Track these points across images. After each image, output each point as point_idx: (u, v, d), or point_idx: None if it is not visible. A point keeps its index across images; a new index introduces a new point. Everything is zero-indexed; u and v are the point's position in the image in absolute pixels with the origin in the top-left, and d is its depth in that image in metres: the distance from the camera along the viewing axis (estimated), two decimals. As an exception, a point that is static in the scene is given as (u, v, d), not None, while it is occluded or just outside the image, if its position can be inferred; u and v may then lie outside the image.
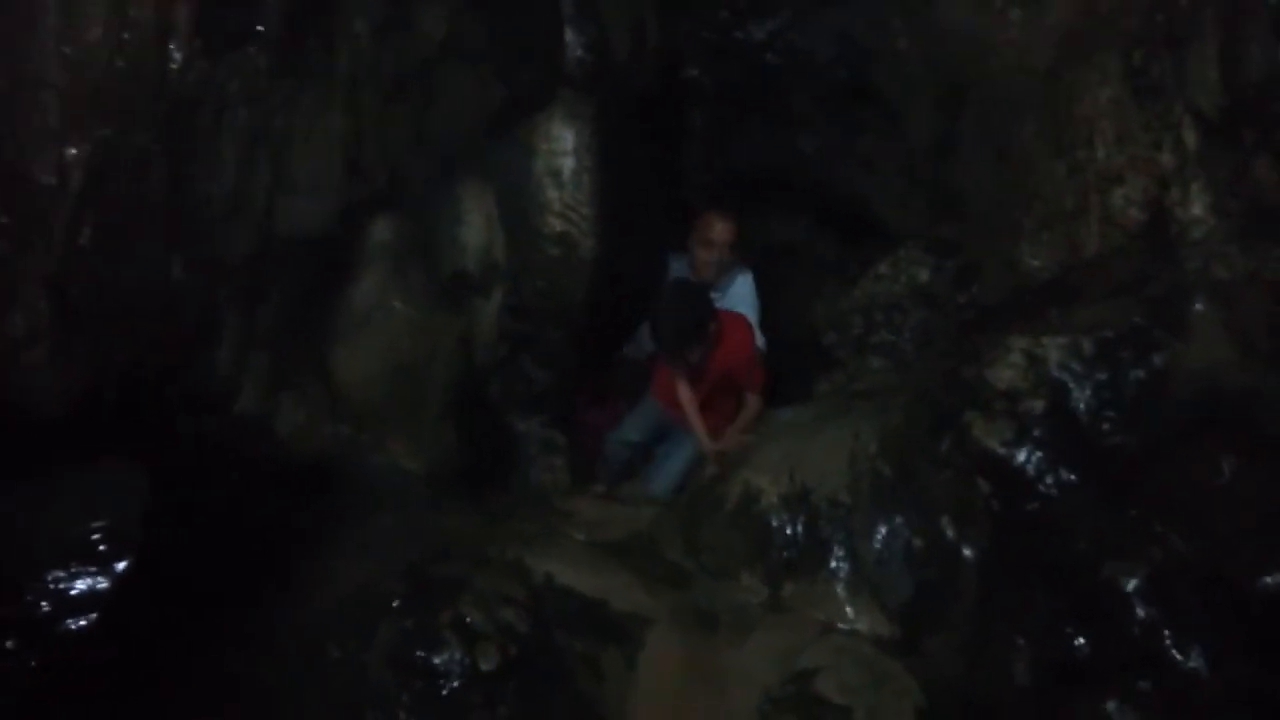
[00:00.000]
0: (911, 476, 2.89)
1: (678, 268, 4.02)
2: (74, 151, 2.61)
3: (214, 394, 3.19)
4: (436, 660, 2.56)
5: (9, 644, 3.13)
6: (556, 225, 3.86)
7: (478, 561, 2.85)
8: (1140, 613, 2.40)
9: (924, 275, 3.86)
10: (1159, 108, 2.94)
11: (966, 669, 2.66)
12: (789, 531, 3.00)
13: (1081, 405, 2.66)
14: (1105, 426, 2.64)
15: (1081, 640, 2.46)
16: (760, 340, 3.83)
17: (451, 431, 3.69)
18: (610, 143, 3.92)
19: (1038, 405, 2.69)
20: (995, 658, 2.60)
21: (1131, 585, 2.43)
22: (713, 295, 3.84)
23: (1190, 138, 2.88)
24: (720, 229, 3.87)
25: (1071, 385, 2.68)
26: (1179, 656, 2.34)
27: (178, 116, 2.84)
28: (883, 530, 2.88)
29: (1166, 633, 2.36)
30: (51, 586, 3.27)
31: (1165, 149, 2.94)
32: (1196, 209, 2.85)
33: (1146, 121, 2.98)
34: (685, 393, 3.57)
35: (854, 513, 2.96)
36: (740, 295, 3.93)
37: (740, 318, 3.68)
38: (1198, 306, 2.70)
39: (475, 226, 3.87)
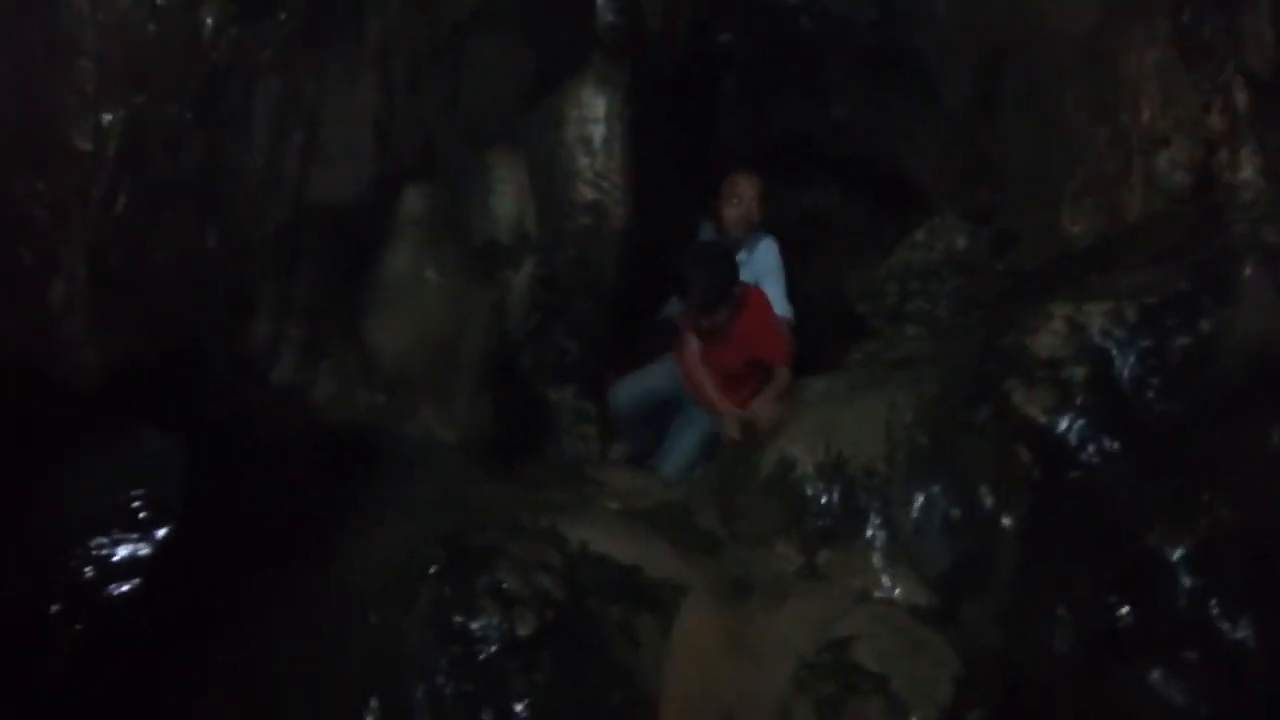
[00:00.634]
0: (949, 446, 2.86)
1: (706, 234, 3.97)
2: (109, 118, 2.62)
3: (251, 364, 3.21)
4: (474, 626, 2.58)
5: (54, 609, 3.19)
6: (588, 194, 3.84)
7: (513, 529, 2.86)
8: (1186, 582, 2.37)
9: (961, 242, 3.81)
10: (1209, 69, 2.87)
11: (1005, 639, 2.64)
12: (824, 500, 2.99)
13: (1125, 373, 2.62)
14: (1149, 394, 2.60)
15: (1125, 610, 2.43)
16: (788, 310, 3.79)
17: (485, 401, 3.70)
18: (642, 110, 3.89)
19: (1080, 373, 2.65)
20: (1035, 627, 2.58)
21: (1177, 555, 2.39)
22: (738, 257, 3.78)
23: (1241, 99, 2.80)
24: (745, 185, 3.84)
25: (1114, 352, 2.64)
26: (1225, 626, 2.31)
27: (210, 84, 2.85)
28: (920, 499, 2.86)
29: (1213, 602, 2.33)
30: (94, 553, 3.33)
31: (1214, 111, 2.86)
32: (1246, 172, 2.78)
33: (1195, 83, 2.90)
34: (694, 355, 3.52)
35: (890, 482, 2.94)
36: (765, 261, 3.87)
37: (758, 291, 3.63)
38: (1246, 271, 2.64)
39: (507, 197, 3.86)
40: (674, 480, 3.54)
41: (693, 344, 3.53)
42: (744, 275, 3.75)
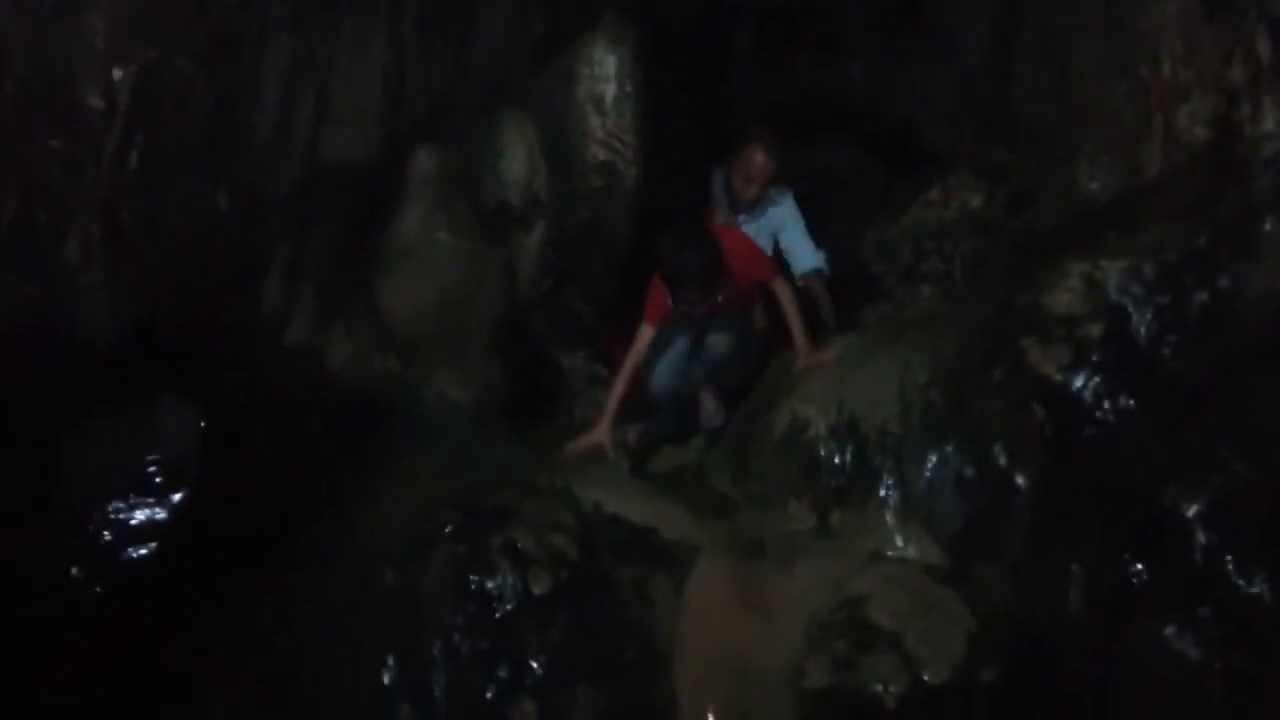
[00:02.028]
0: (963, 405, 2.85)
1: (716, 184, 3.86)
2: (120, 74, 2.60)
3: (264, 325, 3.22)
4: (489, 584, 2.60)
5: (73, 572, 3.22)
6: (599, 154, 3.81)
7: (527, 490, 2.87)
8: (1201, 539, 2.36)
9: (976, 201, 3.77)
10: (1231, 19, 2.80)
11: (1019, 596, 2.65)
12: (837, 460, 2.99)
13: (1142, 330, 2.60)
14: (1166, 351, 2.58)
15: (1139, 566, 2.43)
16: (819, 259, 3.73)
17: (497, 364, 3.70)
18: (653, 69, 3.84)
19: (1096, 330, 2.63)
20: (1049, 585, 2.58)
21: (1192, 511, 2.38)
22: (742, 219, 3.75)
23: (1264, 49, 2.73)
24: (761, 163, 3.71)
25: (1132, 310, 2.62)
26: (1240, 582, 2.30)
27: (221, 42, 2.83)
28: (933, 459, 2.85)
29: (1228, 558, 2.32)
30: (112, 517, 3.36)
31: (1236, 62, 2.80)
32: (1268, 124, 2.72)
33: (1217, 34, 2.84)
34: (636, 353, 3.35)
35: (904, 442, 2.93)
36: (783, 213, 3.80)
37: (725, 227, 3.56)
38: (1266, 227, 2.60)
39: (517, 158, 3.84)
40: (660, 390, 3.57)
41: (643, 338, 3.36)
42: (760, 230, 3.75)
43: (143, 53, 2.63)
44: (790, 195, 3.84)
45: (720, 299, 3.31)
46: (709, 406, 3.69)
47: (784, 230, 3.80)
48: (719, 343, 3.54)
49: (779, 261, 3.76)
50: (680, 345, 3.57)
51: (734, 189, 3.77)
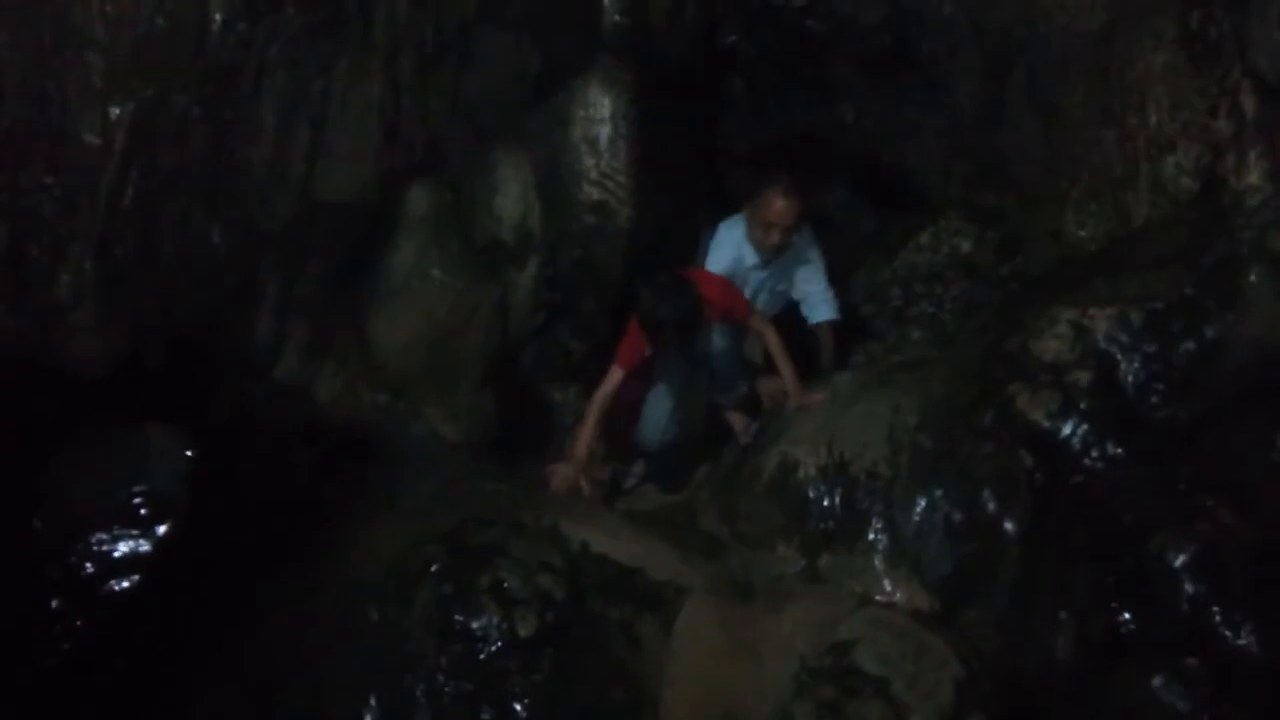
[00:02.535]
0: (952, 449, 2.86)
1: (730, 236, 3.67)
2: (117, 111, 2.62)
3: (254, 359, 3.22)
4: (475, 625, 2.58)
5: (55, 604, 3.19)
6: (593, 194, 3.84)
7: (515, 528, 2.86)
8: (1189, 588, 2.36)
9: (966, 245, 3.80)
10: (1216, 72, 2.85)
11: (1006, 643, 2.64)
12: (826, 503, 2.99)
13: (1129, 377, 2.62)
14: (1154, 399, 2.60)
15: (1127, 615, 2.43)
16: (837, 311, 3.70)
17: (488, 400, 3.69)
18: (647, 110, 3.88)
19: (1084, 377, 2.65)
20: (1037, 632, 2.58)
21: (1180, 560, 2.39)
22: (768, 271, 3.67)
23: (1249, 103, 2.79)
24: (780, 209, 3.50)
25: (1119, 357, 2.64)
26: (1228, 633, 2.30)
27: (218, 79, 2.85)
28: (922, 503, 2.86)
29: (1215, 609, 2.32)
30: (95, 549, 3.33)
31: (1221, 115, 2.85)
32: (1253, 177, 2.77)
33: (1202, 87, 2.89)
34: (604, 395, 3.34)
35: (893, 485, 2.93)
36: (804, 258, 3.71)
37: (702, 272, 3.51)
38: (1251, 278, 2.64)
39: (511, 195, 3.86)
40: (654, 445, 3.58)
41: (612, 379, 3.34)
42: (780, 277, 3.70)
43: (140, 89, 2.65)
44: (811, 236, 3.77)
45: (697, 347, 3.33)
46: (739, 424, 3.66)
47: (802, 272, 3.75)
48: (716, 340, 3.52)
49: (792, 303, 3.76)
50: (666, 404, 3.57)
51: (756, 244, 3.61)
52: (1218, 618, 2.32)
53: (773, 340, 3.42)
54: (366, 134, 3.32)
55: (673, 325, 3.24)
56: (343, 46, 3.20)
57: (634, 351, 3.35)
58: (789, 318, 3.79)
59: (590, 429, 3.34)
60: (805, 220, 3.67)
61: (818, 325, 3.76)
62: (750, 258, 3.65)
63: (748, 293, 3.68)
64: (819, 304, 3.77)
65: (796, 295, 3.81)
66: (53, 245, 2.62)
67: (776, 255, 3.63)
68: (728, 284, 3.51)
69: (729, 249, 3.66)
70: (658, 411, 3.59)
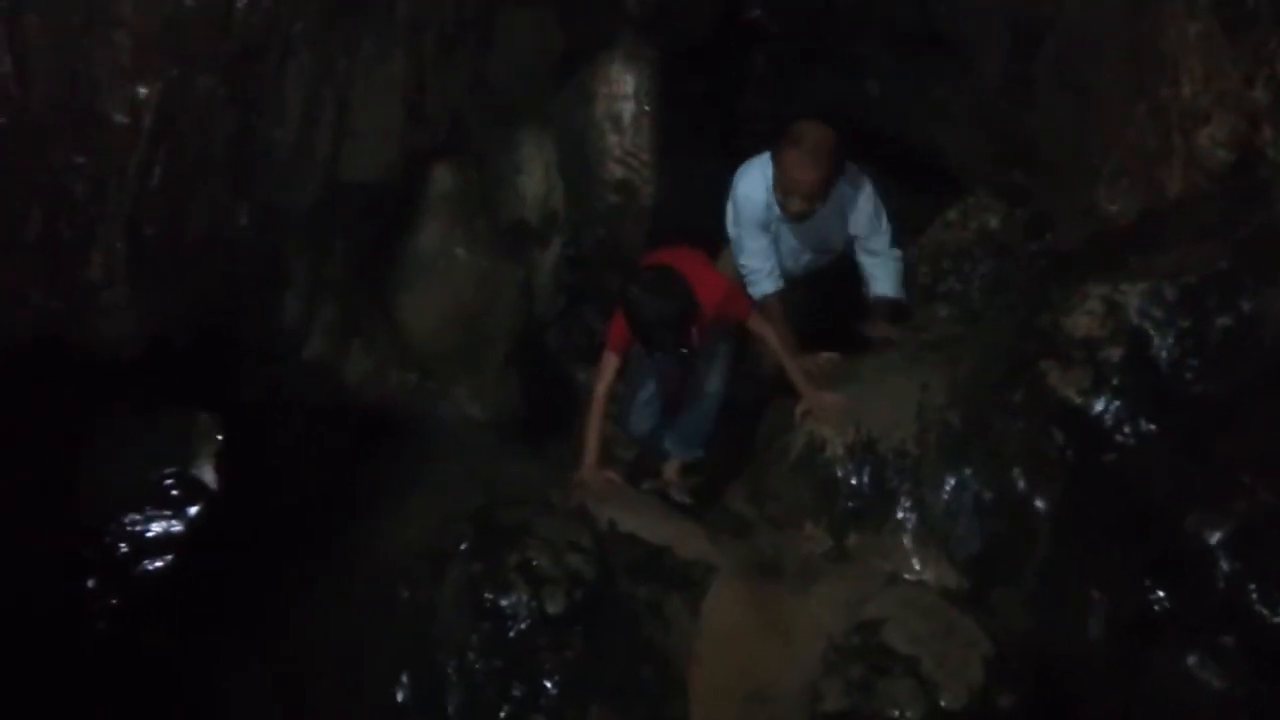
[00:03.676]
0: (982, 427, 2.83)
1: (756, 180, 3.27)
2: (145, 91, 2.62)
3: (283, 340, 3.23)
4: (504, 603, 2.59)
5: (90, 584, 3.24)
6: (616, 172, 3.82)
7: (543, 507, 2.87)
8: (1224, 566, 2.33)
9: (994, 222, 3.75)
10: (1252, 40, 2.79)
11: (1037, 622, 2.62)
12: (854, 482, 2.97)
13: (1163, 353, 2.58)
14: (1188, 375, 2.55)
15: (1161, 594, 2.40)
16: (895, 284, 3.36)
17: (514, 380, 3.70)
18: (671, 88, 3.85)
19: (1116, 353, 2.61)
20: (1068, 611, 2.56)
21: (1215, 538, 2.36)
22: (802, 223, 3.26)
23: (1287, 72, 2.74)
24: (796, 178, 3.13)
25: (1152, 333, 2.59)
26: (1265, 611, 2.27)
27: (243, 58, 2.85)
28: (951, 481, 2.83)
29: (1252, 586, 2.29)
30: (129, 529, 3.38)
31: (1258, 85, 2.79)
32: (1291, 148, 2.72)
33: (1237, 55, 2.83)
34: (602, 389, 3.16)
35: (922, 464, 2.91)
36: (852, 208, 3.28)
37: (696, 262, 3.16)
38: (1290, 250, 2.59)
39: (535, 175, 3.86)
40: (692, 455, 3.41)
41: (609, 367, 3.17)
42: (824, 235, 3.34)
43: (168, 70, 2.65)
44: (866, 181, 3.31)
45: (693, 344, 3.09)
46: (671, 479, 3.41)
47: (855, 225, 3.33)
48: (712, 381, 3.29)
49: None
50: (648, 390, 3.38)
51: (778, 195, 3.21)
52: (1254, 596, 2.28)
53: (774, 341, 3.16)
54: (390, 113, 3.32)
55: (659, 328, 3.01)
56: (366, 25, 3.19)
57: (622, 335, 3.14)
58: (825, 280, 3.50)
59: (598, 425, 3.15)
60: (848, 167, 3.23)
61: (876, 301, 3.41)
62: (777, 207, 3.28)
63: (784, 252, 3.36)
64: (880, 275, 3.40)
65: (853, 252, 3.41)
66: (84, 226, 2.63)
67: (801, 219, 3.25)
68: (730, 287, 3.21)
69: (758, 194, 3.26)
70: (635, 411, 3.42)
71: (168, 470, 3.39)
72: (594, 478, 3.09)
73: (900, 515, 2.89)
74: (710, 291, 3.10)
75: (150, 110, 2.63)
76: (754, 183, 3.29)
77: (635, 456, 3.63)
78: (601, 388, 3.17)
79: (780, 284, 3.36)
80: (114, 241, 2.64)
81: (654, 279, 3.08)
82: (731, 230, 3.40)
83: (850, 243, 3.43)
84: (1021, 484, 2.69)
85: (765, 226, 3.31)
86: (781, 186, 3.19)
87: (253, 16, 2.80)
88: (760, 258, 3.33)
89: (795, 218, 3.24)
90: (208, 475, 3.27)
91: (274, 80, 2.96)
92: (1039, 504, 2.66)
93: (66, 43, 2.59)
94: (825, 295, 3.60)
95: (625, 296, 3.07)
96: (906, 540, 2.86)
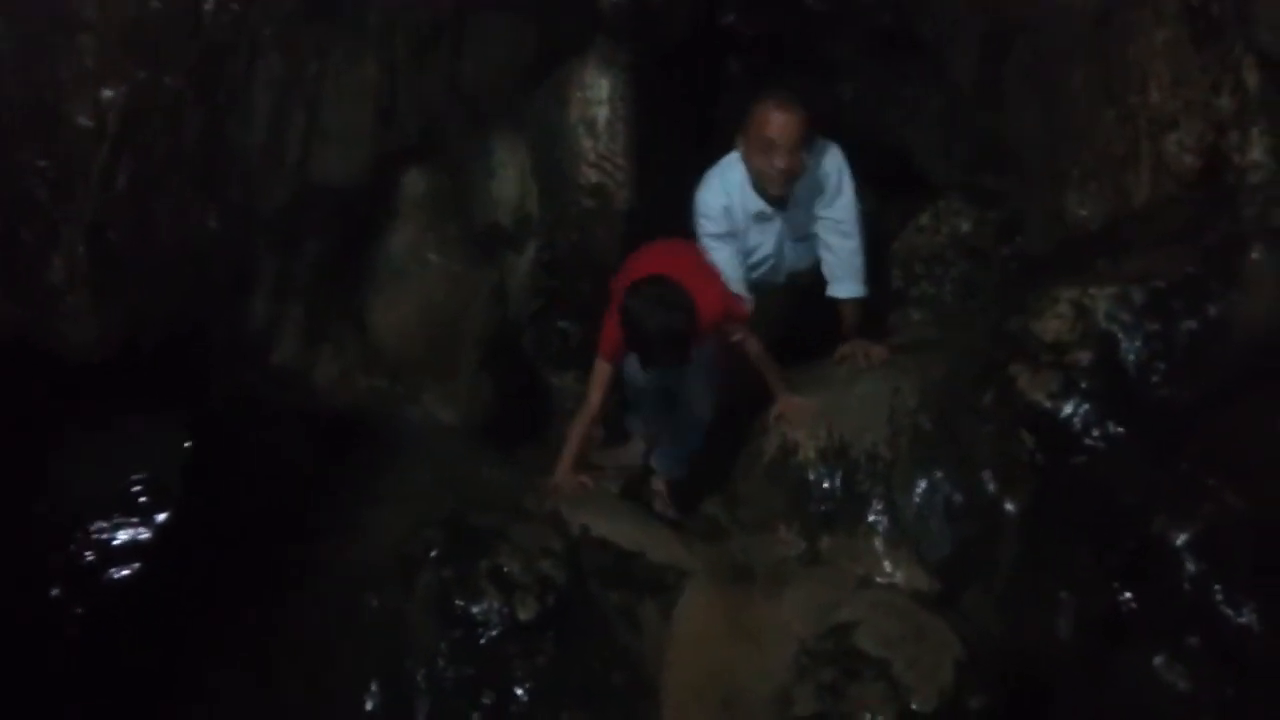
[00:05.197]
0: (953, 430, 2.85)
1: (722, 181, 3.18)
2: (110, 94, 2.59)
3: (250, 345, 3.20)
4: (475, 610, 2.58)
5: (55, 592, 3.19)
6: (591, 176, 3.81)
7: (514, 513, 2.85)
8: (1191, 568, 2.35)
9: (966, 226, 3.77)
10: (1218, 48, 2.82)
11: (1007, 624, 2.65)
12: (826, 485, 2.98)
13: (1131, 357, 2.60)
14: (1156, 379, 2.58)
15: (1128, 595, 2.43)
16: (859, 282, 3.23)
17: (486, 385, 3.68)
18: (645, 92, 3.84)
19: (1085, 357, 2.63)
20: (1038, 613, 2.58)
21: (1181, 540, 2.38)
22: (778, 217, 3.19)
23: (1252, 79, 2.75)
24: (780, 123, 2.96)
25: (1121, 337, 2.62)
26: (1230, 612, 2.29)
27: (211, 61, 2.82)
28: (922, 484, 2.86)
29: (1217, 588, 2.31)
30: (95, 537, 3.33)
31: (1224, 92, 2.82)
32: (1256, 153, 2.74)
33: (1205, 64, 2.86)
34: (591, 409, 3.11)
35: (893, 467, 2.93)
36: (830, 189, 3.14)
37: (690, 267, 3.05)
38: (1254, 255, 2.61)
39: (508, 179, 3.83)
40: (679, 474, 3.35)
41: (601, 376, 3.09)
42: (802, 226, 3.24)
43: (133, 71, 2.62)
44: (840, 160, 3.17)
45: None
46: (660, 498, 3.37)
47: (831, 211, 3.20)
48: (698, 403, 3.19)
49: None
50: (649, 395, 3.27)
51: (757, 173, 3.07)
52: (1220, 598, 2.31)
53: (755, 346, 3.11)
54: (361, 117, 3.29)
55: (662, 343, 2.88)
56: (337, 28, 3.17)
57: (614, 342, 3.05)
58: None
59: (579, 433, 3.12)
60: (816, 138, 3.10)
61: (840, 302, 3.33)
62: (753, 203, 3.17)
63: (761, 255, 3.28)
64: (843, 273, 3.29)
65: (820, 245, 3.31)
66: (46, 229, 2.60)
67: (789, 186, 3.10)
68: (727, 294, 3.11)
69: (718, 197, 3.17)
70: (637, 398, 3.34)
71: (134, 477, 3.33)
72: (567, 481, 3.08)
73: (872, 518, 2.91)
74: (710, 303, 2.99)
75: (115, 112, 2.60)
76: (712, 190, 3.21)
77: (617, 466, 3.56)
78: (596, 396, 3.11)
79: (743, 292, 3.28)
80: (76, 245, 2.61)
81: (656, 292, 2.92)
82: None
83: (822, 229, 3.28)
84: (992, 487, 2.71)
85: (730, 234, 3.23)
86: (763, 145, 3.04)
87: (221, 18, 2.77)
88: (725, 270, 3.24)
89: (785, 182, 3.08)
90: (175, 481, 3.22)
91: (243, 82, 2.94)
92: (1009, 506, 2.68)
93: (30, 45, 2.56)
94: (801, 304, 3.60)
95: (625, 309, 2.92)
96: (878, 543, 2.88)
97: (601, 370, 3.12)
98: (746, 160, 3.15)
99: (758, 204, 3.21)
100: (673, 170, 3.94)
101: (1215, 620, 2.30)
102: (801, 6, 4.13)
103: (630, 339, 2.95)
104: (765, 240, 3.32)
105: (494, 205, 3.80)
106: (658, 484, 3.40)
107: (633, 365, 3.14)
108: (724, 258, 3.25)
